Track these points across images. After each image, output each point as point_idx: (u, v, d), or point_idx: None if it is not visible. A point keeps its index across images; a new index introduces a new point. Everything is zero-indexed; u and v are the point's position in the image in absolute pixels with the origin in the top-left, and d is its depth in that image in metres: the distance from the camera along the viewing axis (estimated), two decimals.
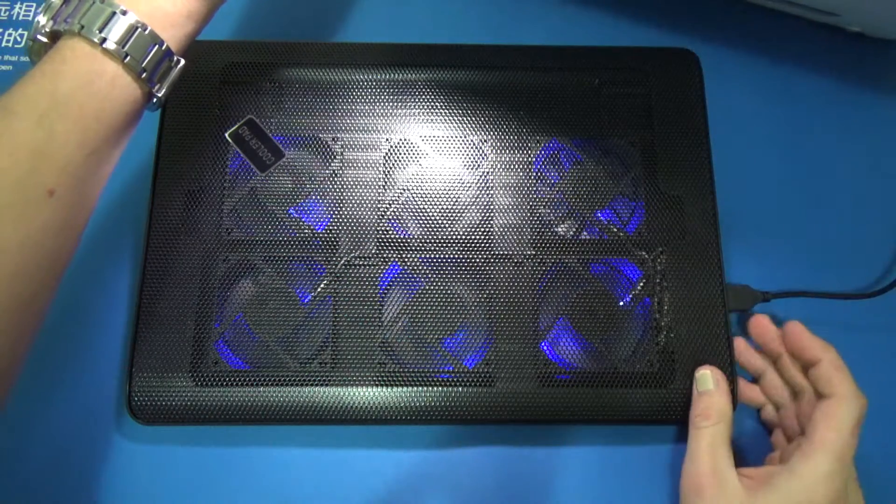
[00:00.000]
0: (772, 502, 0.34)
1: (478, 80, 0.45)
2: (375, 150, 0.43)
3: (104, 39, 0.32)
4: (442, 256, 0.42)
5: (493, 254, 0.42)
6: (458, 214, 0.43)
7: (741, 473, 0.36)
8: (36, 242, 0.31)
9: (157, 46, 0.34)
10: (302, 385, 0.39)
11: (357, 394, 0.39)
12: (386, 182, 0.43)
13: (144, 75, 0.33)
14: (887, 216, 0.46)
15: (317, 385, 0.39)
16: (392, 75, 0.45)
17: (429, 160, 0.43)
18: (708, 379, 0.39)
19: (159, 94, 0.35)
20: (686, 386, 0.40)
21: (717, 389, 0.38)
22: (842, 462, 0.35)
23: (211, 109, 0.44)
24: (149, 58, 0.33)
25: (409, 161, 0.43)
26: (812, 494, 0.34)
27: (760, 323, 0.41)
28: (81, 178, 0.32)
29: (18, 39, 0.49)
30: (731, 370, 0.40)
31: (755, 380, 0.41)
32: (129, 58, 0.33)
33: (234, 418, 0.39)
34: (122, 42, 0.32)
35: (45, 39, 0.34)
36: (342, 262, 0.41)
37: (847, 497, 0.35)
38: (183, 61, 0.36)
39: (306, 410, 0.39)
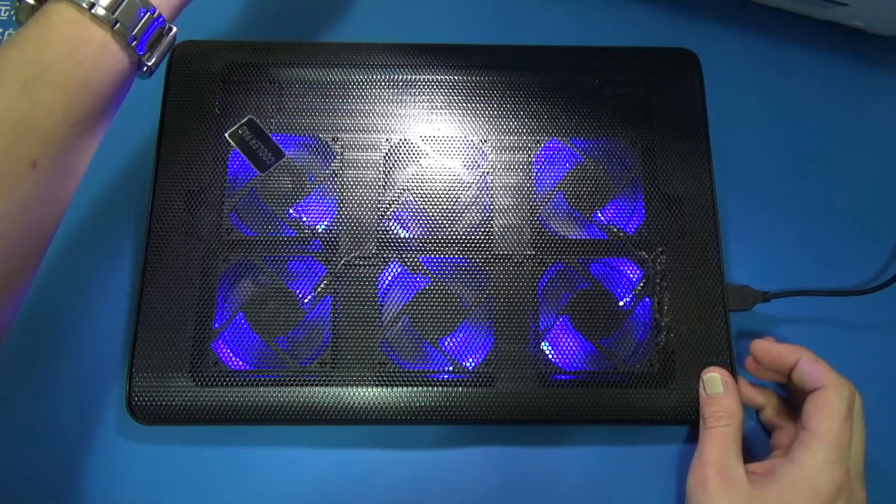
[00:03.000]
0: (775, 492, 0.34)
1: (478, 80, 0.45)
2: (375, 150, 0.43)
3: (93, 5, 0.31)
4: (442, 256, 0.42)
5: (493, 254, 0.42)
6: (458, 214, 0.43)
7: (747, 469, 0.36)
8: (17, 216, 0.30)
9: (147, 13, 0.32)
10: (302, 385, 0.39)
11: (357, 394, 0.39)
12: (386, 182, 0.43)
13: (134, 43, 0.32)
14: (886, 214, 0.46)
15: (317, 385, 0.39)
16: (392, 75, 0.45)
17: (429, 160, 0.43)
18: (717, 381, 0.39)
19: (149, 63, 0.34)
20: (686, 386, 0.40)
21: (727, 391, 0.38)
22: (839, 449, 0.35)
23: (211, 109, 0.44)
24: (139, 25, 0.32)
25: (409, 161, 0.43)
26: (814, 483, 0.34)
27: (763, 347, 0.40)
28: (66, 149, 0.31)
29: None
30: (732, 370, 0.40)
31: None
32: (118, 25, 0.31)
33: (234, 418, 0.39)
34: (112, 8, 0.31)
35: (32, 1, 0.33)
36: (342, 262, 0.41)
37: (851, 488, 0.35)
38: (175, 29, 0.35)
39: (306, 410, 0.39)
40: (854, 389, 0.37)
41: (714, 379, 0.39)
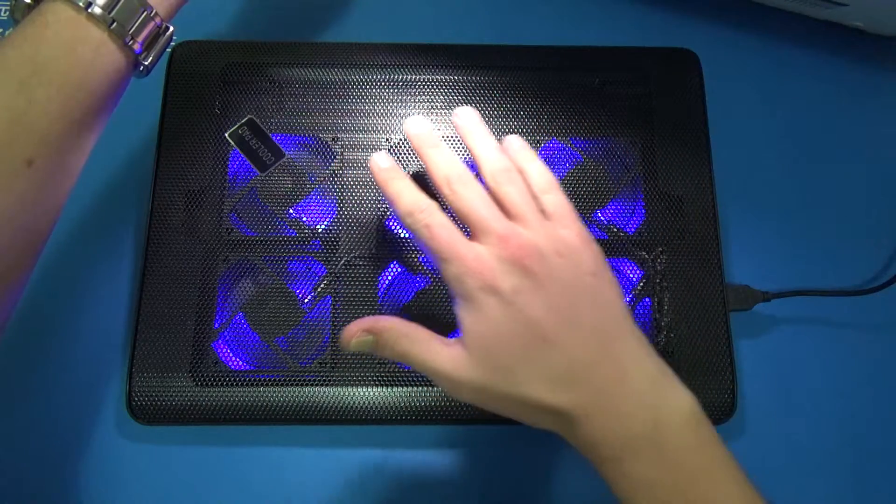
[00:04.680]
0: (459, 313, 0.32)
1: (478, 80, 0.45)
2: (375, 150, 0.43)
3: (90, 4, 0.31)
4: None
5: None
6: None
7: (439, 342, 0.33)
8: (12, 215, 0.30)
9: (144, 13, 0.32)
10: (302, 385, 0.39)
11: (357, 394, 0.39)
12: None
13: (131, 42, 0.32)
14: (886, 214, 0.46)
15: (317, 385, 0.39)
16: (392, 75, 0.45)
17: None
18: (366, 342, 0.34)
19: (146, 63, 0.34)
20: (686, 386, 0.39)
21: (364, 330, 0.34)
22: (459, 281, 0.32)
23: (211, 109, 0.44)
24: (136, 25, 0.32)
25: (409, 161, 0.43)
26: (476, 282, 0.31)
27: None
28: (62, 148, 0.31)
29: None
30: (732, 370, 0.40)
31: None
32: (115, 24, 0.31)
33: (234, 418, 0.39)
34: (109, 7, 0.31)
35: (28, 0, 0.33)
36: (342, 261, 0.41)
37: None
38: (171, 28, 0.35)
39: (306, 410, 0.39)
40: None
41: (363, 342, 0.34)
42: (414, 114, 0.44)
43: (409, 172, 0.36)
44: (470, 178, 0.34)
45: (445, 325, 0.40)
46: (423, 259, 0.42)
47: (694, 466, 0.30)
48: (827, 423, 0.42)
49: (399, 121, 0.44)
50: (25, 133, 0.30)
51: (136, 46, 0.33)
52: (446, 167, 0.35)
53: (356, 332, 0.34)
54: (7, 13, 0.50)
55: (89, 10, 0.31)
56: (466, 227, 0.34)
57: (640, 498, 0.30)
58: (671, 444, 0.30)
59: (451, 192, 0.34)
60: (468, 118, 0.37)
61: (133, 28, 0.32)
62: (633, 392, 0.31)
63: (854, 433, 0.41)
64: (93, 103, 0.32)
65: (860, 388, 0.42)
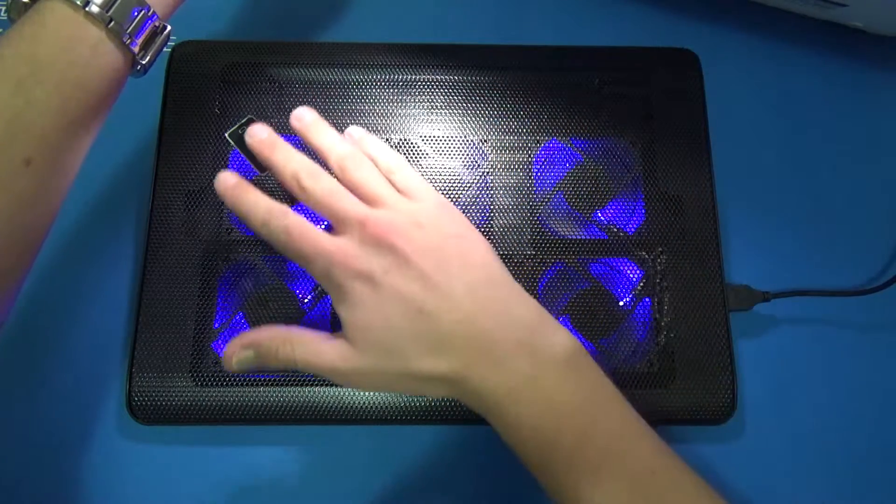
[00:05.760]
0: (352, 332, 0.32)
1: (478, 80, 0.45)
2: None
3: (87, 2, 0.31)
4: None
5: None
6: None
7: (320, 338, 0.33)
8: (11, 214, 0.30)
9: (142, 11, 0.32)
10: (302, 385, 0.39)
11: (357, 394, 0.39)
12: None
13: (128, 41, 0.32)
14: (886, 213, 0.46)
15: (317, 385, 0.39)
16: (392, 75, 0.45)
17: (429, 160, 0.43)
18: (248, 359, 0.34)
19: (144, 62, 0.34)
20: (686, 386, 0.40)
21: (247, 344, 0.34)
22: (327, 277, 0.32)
23: (211, 109, 0.44)
24: (133, 23, 0.32)
25: (409, 161, 0.43)
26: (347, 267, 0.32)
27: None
28: (60, 147, 0.31)
29: None
30: (731, 370, 0.40)
31: None
32: (112, 23, 0.31)
33: (234, 418, 0.39)
34: (106, 6, 0.31)
35: None
36: None
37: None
38: (169, 27, 0.35)
39: (306, 410, 0.39)
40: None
41: (244, 360, 0.34)
42: (414, 114, 0.44)
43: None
44: (318, 170, 0.34)
45: None
46: None
47: (575, 405, 0.30)
48: (827, 423, 0.42)
49: (399, 121, 0.44)
50: (23, 132, 0.30)
51: (134, 45, 0.33)
52: (292, 164, 0.35)
53: (235, 349, 0.34)
54: (4, 13, 0.49)
55: (87, 9, 0.31)
56: (326, 222, 0.33)
57: (527, 443, 0.31)
58: (550, 385, 0.31)
59: (303, 189, 0.34)
60: (306, 115, 0.37)
61: (131, 27, 0.32)
62: (508, 339, 0.31)
63: (854, 433, 0.41)
64: (91, 102, 0.32)
65: (860, 388, 0.42)
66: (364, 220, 0.32)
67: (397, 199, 0.34)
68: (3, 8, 0.49)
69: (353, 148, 0.36)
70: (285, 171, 0.35)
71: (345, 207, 0.33)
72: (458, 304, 0.32)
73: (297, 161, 0.35)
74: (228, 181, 0.35)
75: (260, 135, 0.36)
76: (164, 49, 0.36)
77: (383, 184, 0.35)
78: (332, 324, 0.40)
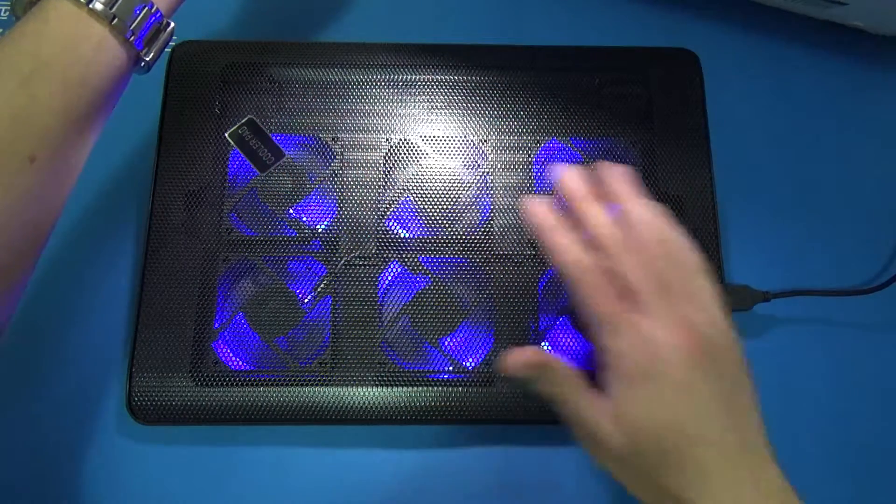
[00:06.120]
0: (617, 385, 0.30)
1: (478, 80, 0.45)
2: (375, 150, 0.43)
3: (91, 0, 0.31)
4: (442, 256, 0.42)
5: (493, 254, 0.42)
6: (458, 214, 0.43)
7: (593, 398, 0.31)
8: (15, 211, 0.30)
9: (145, 8, 0.32)
10: (302, 385, 0.39)
11: (357, 394, 0.39)
12: (386, 182, 0.43)
13: (132, 38, 0.32)
14: (886, 214, 0.46)
15: (317, 385, 0.39)
16: (392, 75, 0.45)
17: (429, 160, 0.43)
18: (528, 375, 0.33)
19: (147, 59, 0.34)
20: None
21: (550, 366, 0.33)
22: (616, 335, 0.30)
23: (211, 109, 0.44)
24: (137, 20, 0.32)
25: (409, 161, 0.43)
26: (622, 369, 0.30)
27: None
28: (64, 144, 0.31)
29: None
30: None
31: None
32: (116, 20, 0.31)
33: (234, 418, 0.39)
34: (110, 3, 0.31)
35: None
36: (342, 262, 0.41)
37: (712, 342, 0.31)
38: (172, 24, 0.35)
39: (306, 410, 0.39)
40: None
41: (528, 374, 0.33)
42: (414, 114, 0.44)
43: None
44: (631, 243, 0.32)
45: (445, 325, 0.40)
46: (422, 259, 0.42)
47: None
48: (827, 423, 0.41)
49: (399, 121, 0.44)
50: (27, 129, 0.30)
51: (137, 42, 0.33)
52: (607, 228, 0.32)
53: (520, 366, 0.32)
54: (7, 12, 0.49)
55: (90, 6, 0.31)
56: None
57: None
58: None
59: (615, 256, 0.31)
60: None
61: (134, 24, 0.32)
62: (756, 499, 0.29)
63: (854, 433, 0.41)
64: (94, 99, 0.32)
65: (860, 388, 0.42)
66: (679, 327, 0.30)
67: (704, 308, 0.31)
68: (6, 8, 0.49)
69: (656, 235, 0.33)
70: (600, 231, 0.32)
71: (656, 295, 0.30)
72: (727, 447, 0.30)
73: (610, 226, 0.33)
74: (546, 221, 0.33)
75: (575, 183, 0.34)
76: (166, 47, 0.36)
77: (689, 283, 0.32)
78: (332, 324, 0.40)
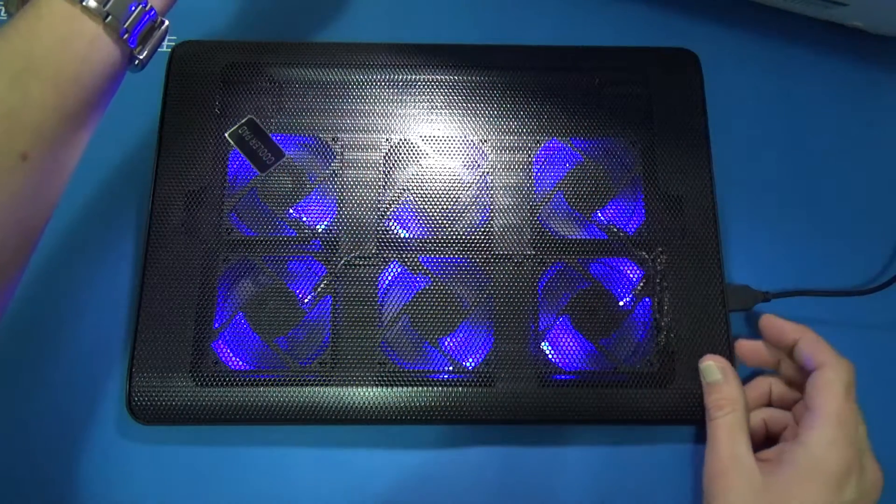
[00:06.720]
0: (786, 476, 0.34)
1: (478, 80, 0.45)
2: (375, 150, 0.43)
3: None
4: (442, 256, 0.42)
5: (493, 254, 0.42)
6: (458, 214, 0.43)
7: (758, 457, 0.36)
8: (7, 209, 0.30)
9: (139, 6, 0.32)
10: (302, 385, 0.39)
11: (357, 394, 0.39)
12: (386, 182, 0.43)
13: (126, 36, 0.32)
14: (886, 214, 0.46)
15: (317, 385, 0.39)
16: (392, 75, 0.45)
17: (429, 160, 0.43)
18: (713, 369, 0.39)
19: (141, 57, 0.34)
20: (686, 386, 0.40)
21: (725, 378, 0.38)
22: (844, 427, 0.35)
23: (211, 109, 0.44)
24: (131, 18, 0.32)
25: (409, 161, 0.43)
26: (822, 463, 0.34)
27: (770, 322, 0.40)
28: (57, 142, 0.31)
29: None
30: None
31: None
32: (109, 17, 0.31)
33: (234, 418, 0.39)
34: (104, 1, 0.31)
35: None
36: (342, 262, 0.41)
37: (863, 466, 0.35)
38: (167, 22, 0.35)
39: (306, 410, 0.39)
40: (852, 367, 0.37)
41: (710, 367, 0.39)
42: (414, 114, 0.44)
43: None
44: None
45: (445, 326, 0.40)
46: (423, 259, 0.42)
47: None
48: None
49: (399, 121, 0.44)
50: (20, 127, 0.30)
51: (131, 40, 0.33)
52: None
53: (720, 404, 0.37)
54: (7, 14, 0.49)
55: (84, 4, 0.31)
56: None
57: None
58: None
59: None
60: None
61: (128, 22, 0.32)
62: None
63: None
64: (88, 97, 0.32)
65: (860, 387, 0.42)
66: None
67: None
68: (1, 6, 0.49)
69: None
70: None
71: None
72: None
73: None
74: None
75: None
76: (165, 48, 0.35)
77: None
78: (332, 324, 0.40)
